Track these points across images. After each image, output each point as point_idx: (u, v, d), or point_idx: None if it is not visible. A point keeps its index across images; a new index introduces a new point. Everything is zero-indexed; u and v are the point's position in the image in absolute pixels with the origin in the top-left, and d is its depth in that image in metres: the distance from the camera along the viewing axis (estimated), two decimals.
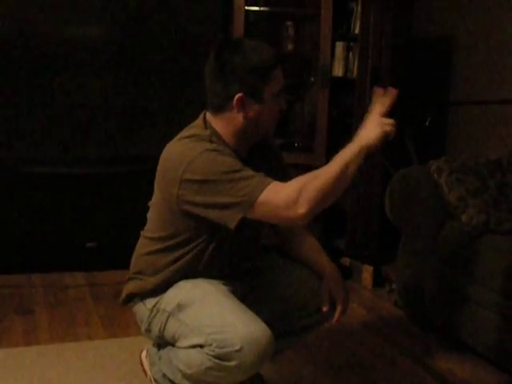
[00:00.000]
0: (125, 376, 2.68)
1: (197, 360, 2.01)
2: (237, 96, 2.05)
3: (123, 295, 2.32)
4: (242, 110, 2.07)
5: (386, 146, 2.04)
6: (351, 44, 3.95)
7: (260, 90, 2.07)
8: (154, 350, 2.33)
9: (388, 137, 2.02)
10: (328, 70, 3.88)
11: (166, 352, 2.22)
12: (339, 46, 3.96)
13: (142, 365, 2.40)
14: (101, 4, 3.72)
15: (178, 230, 2.12)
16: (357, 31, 3.87)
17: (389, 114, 2.05)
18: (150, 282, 2.23)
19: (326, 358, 2.98)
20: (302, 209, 1.89)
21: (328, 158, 3.87)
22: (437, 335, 3.22)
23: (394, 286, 3.73)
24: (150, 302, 2.22)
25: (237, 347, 1.93)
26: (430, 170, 3.22)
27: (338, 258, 3.95)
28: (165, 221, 2.19)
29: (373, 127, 2.01)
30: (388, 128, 2.02)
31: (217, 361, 1.96)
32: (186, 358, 2.06)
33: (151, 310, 2.21)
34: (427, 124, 4.07)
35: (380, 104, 2.07)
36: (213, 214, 1.99)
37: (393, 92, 2.07)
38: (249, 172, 1.97)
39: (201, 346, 2.00)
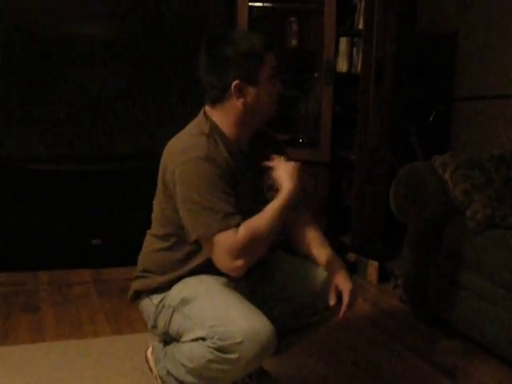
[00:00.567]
0: (130, 373, 2.68)
1: (198, 353, 2.03)
2: (234, 83, 2.09)
3: (131, 292, 2.35)
4: (240, 96, 2.12)
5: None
6: (355, 39, 3.94)
7: (255, 74, 2.11)
8: (160, 346, 2.34)
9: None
10: (332, 66, 3.88)
11: (171, 348, 2.23)
12: (343, 42, 3.95)
13: (147, 362, 2.41)
14: (102, 2, 3.72)
15: (182, 227, 2.13)
16: (361, 26, 3.85)
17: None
18: (157, 280, 2.25)
19: (331, 353, 2.98)
20: (239, 262, 2.01)
21: (333, 154, 3.91)
22: (442, 330, 3.22)
23: (399, 281, 3.72)
24: (157, 298, 2.24)
25: (238, 340, 1.94)
26: (434, 165, 3.22)
27: (344, 254, 3.95)
28: (168, 218, 2.21)
29: (287, 180, 2.12)
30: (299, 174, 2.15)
31: (218, 353, 1.98)
32: (189, 352, 2.08)
33: (157, 306, 2.23)
34: (431, 119, 4.07)
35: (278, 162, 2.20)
36: (183, 217, 2.08)
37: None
38: (220, 203, 2.02)
39: (203, 339, 2.02)
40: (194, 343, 2.05)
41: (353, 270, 3.93)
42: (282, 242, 2.42)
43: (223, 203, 2.02)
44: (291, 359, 2.83)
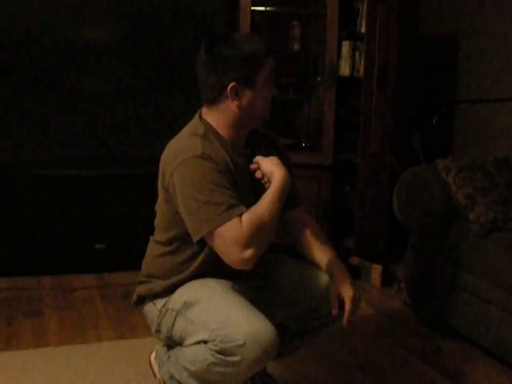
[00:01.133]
0: (134, 377, 2.68)
1: (201, 356, 2.02)
2: (230, 85, 2.09)
3: (134, 297, 2.35)
4: (235, 98, 2.11)
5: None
6: (357, 43, 3.94)
7: (252, 78, 2.11)
8: (164, 350, 2.34)
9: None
10: (334, 70, 3.88)
11: (174, 352, 2.23)
12: (345, 46, 3.94)
13: (151, 366, 2.40)
14: (103, 5, 3.72)
15: (183, 232, 2.13)
16: (363, 30, 3.85)
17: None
18: (160, 284, 2.25)
19: (335, 357, 2.98)
20: (248, 252, 1.99)
21: (335, 157, 3.91)
22: (445, 333, 3.21)
23: (402, 285, 3.72)
24: (160, 302, 2.24)
25: (240, 342, 1.94)
26: (437, 168, 3.21)
27: (347, 258, 3.95)
28: (169, 223, 2.21)
29: (275, 169, 2.13)
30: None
31: (220, 356, 1.97)
32: (191, 355, 2.07)
33: (160, 310, 2.23)
34: (434, 122, 4.07)
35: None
36: (185, 219, 2.08)
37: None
38: (221, 197, 2.01)
39: (205, 342, 2.01)
40: (196, 346, 2.05)
41: (356, 273, 3.93)
42: (286, 247, 2.41)
43: (224, 196, 2.01)
44: (294, 363, 2.83)
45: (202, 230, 2.02)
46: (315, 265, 2.33)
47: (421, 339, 3.20)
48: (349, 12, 3.94)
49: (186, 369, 2.10)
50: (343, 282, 2.23)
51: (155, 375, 2.36)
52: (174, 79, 3.86)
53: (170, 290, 2.22)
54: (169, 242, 2.23)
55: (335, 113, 3.91)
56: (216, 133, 2.16)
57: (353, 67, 3.98)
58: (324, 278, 2.29)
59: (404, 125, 4.20)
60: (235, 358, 1.95)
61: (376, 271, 3.92)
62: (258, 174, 2.17)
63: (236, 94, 2.11)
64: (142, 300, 2.32)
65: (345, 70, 3.97)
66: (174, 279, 2.22)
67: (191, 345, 2.07)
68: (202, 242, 2.09)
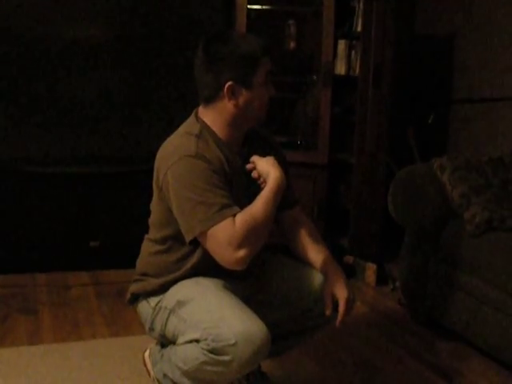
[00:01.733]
0: (128, 375, 2.68)
1: (192, 355, 2.03)
2: (227, 84, 2.09)
3: (128, 295, 2.36)
4: (232, 97, 2.11)
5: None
6: (353, 42, 3.94)
7: (249, 78, 2.11)
8: (157, 348, 2.34)
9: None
10: (330, 68, 3.88)
11: (168, 350, 2.24)
12: (341, 44, 3.95)
13: (145, 364, 2.41)
14: (100, 3, 3.72)
15: (177, 231, 2.13)
16: (359, 29, 3.86)
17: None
18: (154, 282, 2.25)
19: (329, 355, 2.98)
20: (241, 253, 1.98)
21: (331, 156, 3.91)
22: (440, 333, 3.22)
23: (397, 283, 3.73)
24: (154, 301, 2.25)
25: (231, 341, 1.94)
26: (432, 167, 3.22)
27: (342, 257, 3.95)
28: (164, 221, 2.21)
29: (271, 169, 2.12)
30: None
31: (211, 355, 1.97)
32: (183, 354, 2.08)
33: (154, 309, 2.23)
34: (429, 122, 4.07)
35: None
36: (178, 219, 2.08)
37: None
38: (215, 197, 2.01)
39: (197, 341, 2.01)
40: (188, 345, 2.05)
41: (351, 272, 3.93)
42: (281, 247, 2.41)
43: (218, 197, 2.01)
44: (288, 361, 2.83)
45: (195, 230, 2.02)
46: (310, 265, 2.33)
47: (415, 338, 3.21)
48: (345, 11, 3.94)
49: (179, 367, 2.10)
50: (337, 282, 2.23)
51: (149, 373, 2.37)
52: (170, 78, 3.85)
53: (163, 289, 2.22)
54: (163, 241, 2.23)
55: (331, 111, 3.91)
56: (212, 132, 2.16)
57: (349, 66, 3.98)
58: (318, 278, 2.29)
59: (399, 124, 4.20)
60: (227, 358, 1.95)
61: (371, 270, 3.92)
62: (254, 174, 2.17)
63: (233, 94, 2.10)
64: (136, 298, 2.33)
65: (340, 68, 3.97)
66: (167, 278, 2.22)
67: (184, 343, 2.07)
68: (196, 242, 2.09)
